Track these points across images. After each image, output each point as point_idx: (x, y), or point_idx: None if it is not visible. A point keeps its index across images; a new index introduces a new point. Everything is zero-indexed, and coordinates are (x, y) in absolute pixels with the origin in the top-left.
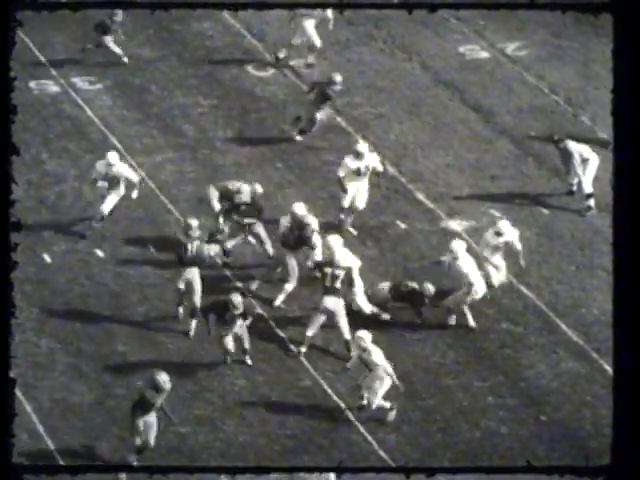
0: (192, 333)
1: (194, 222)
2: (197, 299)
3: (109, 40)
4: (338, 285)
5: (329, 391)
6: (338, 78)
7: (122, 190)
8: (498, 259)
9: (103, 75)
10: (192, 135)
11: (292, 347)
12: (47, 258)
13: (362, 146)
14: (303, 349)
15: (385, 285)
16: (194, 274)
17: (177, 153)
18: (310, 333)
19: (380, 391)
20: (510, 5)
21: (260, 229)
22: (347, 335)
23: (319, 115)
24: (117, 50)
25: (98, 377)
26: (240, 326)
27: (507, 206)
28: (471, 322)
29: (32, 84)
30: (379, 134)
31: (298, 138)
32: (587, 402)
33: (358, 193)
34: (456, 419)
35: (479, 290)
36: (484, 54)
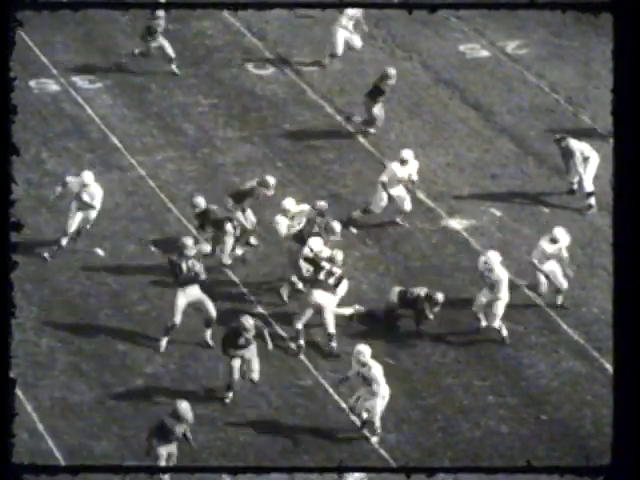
0: (211, 343)
1: (189, 241)
2: (212, 310)
3: (161, 42)
4: (331, 281)
5: (330, 390)
6: (392, 72)
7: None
8: (551, 265)
9: (103, 74)
10: (192, 134)
11: (292, 345)
12: (47, 257)
13: (407, 153)
14: (302, 342)
15: (396, 290)
16: (196, 291)
17: (177, 152)
18: (300, 326)
19: (379, 407)
20: (510, 5)
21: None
22: (333, 329)
23: (376, 110)
24: (170, 52)
25: (98, 376)
26: (251, 350)
27: (507, 205)
28: (483, 323)
29: (32, 83)
30: (379, 133)
31: (372, 130)
32: (587, 401)
33: (399, 199)
34: (456, 418)
35: (505, 300)
36: (484, 53)
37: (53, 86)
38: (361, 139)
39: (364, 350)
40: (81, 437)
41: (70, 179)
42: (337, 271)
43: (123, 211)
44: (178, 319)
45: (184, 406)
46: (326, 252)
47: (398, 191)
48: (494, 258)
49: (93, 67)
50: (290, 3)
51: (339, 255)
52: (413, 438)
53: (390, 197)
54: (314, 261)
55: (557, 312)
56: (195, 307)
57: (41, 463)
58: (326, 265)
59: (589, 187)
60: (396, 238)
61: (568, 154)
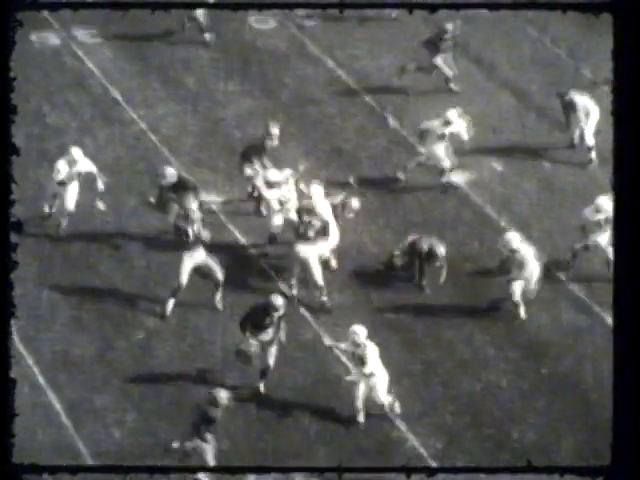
0: (220, 307)
1: (194, 204)
2: (219, 274)
3: (440, 60)
4: (311, 234)
5: (330, 343)
6: (449, 27)
7: (76, 186)
8: (596, 237)
9: (104, 27)
10: (193, 88)
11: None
12: (46, 209)
13: (452, 113)
14: (294, 291)
15: (408, 239)
16: (202, 254)
17: (178, 106)
18: (293, 282)
19: (382, 389)
20: (510, 5)
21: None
22: (320, 282)
23: (439, 60)
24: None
25: (99, 330)
26: (279, 331)
27: (508, 159)
28: (522, 314)
29: (33, 37)
30: (380, 86)
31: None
32: (588, 355)
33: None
34: (457, 372)
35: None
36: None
37: (54, 39)
38: (361, 92)
39: (359, 331)
40: (82, 390)
41: (59, 164)
42: (317, 223)
43: (124, 165)
44: (184, 280)
45: (222, 394)
46: (307, 203)
47: (436, 147)
48: (513, 238)
49: (94, 20)
50: (290, 3)
51: (318, 206)
52: (414, 392)
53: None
54: (298, 214)
55: (558, 266)
56: (202, 273)
57: (43, 418)
58: (305, 218)
59: (590, 141)
60: (397, 192)
61: (571, 108)
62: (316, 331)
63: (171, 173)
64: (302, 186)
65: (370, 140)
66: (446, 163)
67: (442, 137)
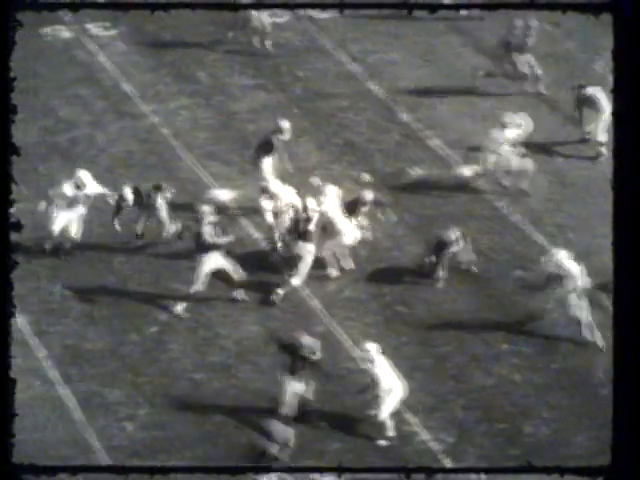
0: (240, 297)
1: (207, 208)
2: (238, 274)
3: (520, 59)
4: (310, 232)
5: (343, 337)
6: (519, 23)
7: (82, 209)
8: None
9: (117, 21)
10: (206, 82)
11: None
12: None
13: (509, 116)
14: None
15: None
16: (218, 257)
17: (191, 100)
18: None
19: (389, 403)
20: (510, 5)
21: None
22: (294, 280)
23: (522, 60)
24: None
25: (111, 324)
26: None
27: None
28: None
29: (45, 30)
30: (393, 80)
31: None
32: (600, 349)
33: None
34: (469, 366)
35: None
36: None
37: (66, 33)
38: (374, 87)
39: (370, 347)
40: (94, 384)
41: (65, 187)
42: (322, 221)
43: (136, 159)
44: (199, 287)
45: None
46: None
47: (503, 151)
48: (562, 256)
49: (107, 14)
50: (290, 3)
51: (329, 206)
52: (425, 386)
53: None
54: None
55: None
56: (219, 276)
57: (55, 412)
58: (301, 215)
59: (602, 137)
60: (409, 186)
61: (585, 102)
62: (328, 324)
63: (128, 194)
64: (315, 183)
65: (382, 134)
66: (514, 164)
67: (508, 142)
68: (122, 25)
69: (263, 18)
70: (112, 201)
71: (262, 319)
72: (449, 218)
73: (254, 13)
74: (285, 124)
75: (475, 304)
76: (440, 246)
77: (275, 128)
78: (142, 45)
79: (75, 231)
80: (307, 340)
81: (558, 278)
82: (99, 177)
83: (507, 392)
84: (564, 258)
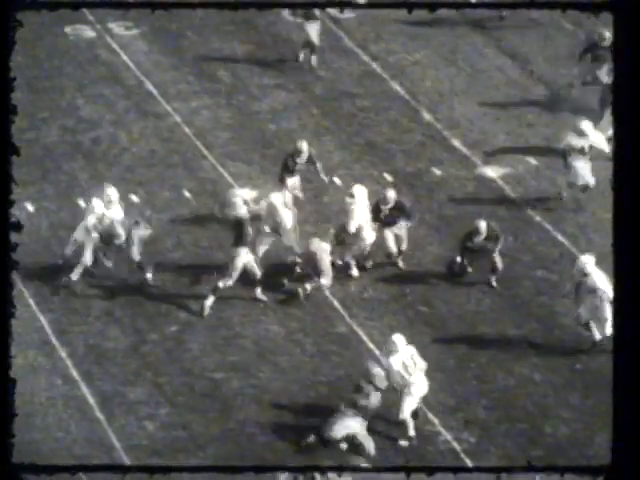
0: (263, 297)
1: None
2: (257, 270)
3: (603, 71)
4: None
5: (364, 338)
6: (607, 34)
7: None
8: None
9: (139, 20)
10: (228, 81)
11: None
12: (82, 203)
13: (585, 124)
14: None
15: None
16: (248, 254)
17: (212, 99)
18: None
19: (410, 401)
20: (510, 5)
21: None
22: (328, 276)
23: (602, 74)
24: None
25: (132, 323)
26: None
27: (543, 153)
28: (597, 335)
29: (68, 29)
30: (415, 80)
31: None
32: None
33: (583, 170)
34: (490, 366)
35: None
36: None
37: (89, 32)
38: (396, 86)
39: (396, 339)
40: (115, 383)
41: (95, 201)
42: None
43: (158, 158)
44: (234, 281)
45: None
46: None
47: (578, 162)
48: (587, 262)
49: (129, 13)
50: (290, 3)
51: (357, 206)
52: (447, 386)
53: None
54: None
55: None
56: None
57: (76, 411)
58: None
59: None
60: (431, 186)
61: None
62: (349, 324)
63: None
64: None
65: (404, 134)
66: (590, 179)
67: (582, 151)
68: (144, 25)
69: (312, 34)
70: (121, 229)
71: (282, 319)
72: (471, 219)
73: (307, 27)
74: (304, 146)
75: (497, 304)
76: (467, 237)
77: (293, 151)
78: (163, 44)
79: (87, 262)
80: (378, 370)
81: (586, 288)
82: (120, 176)
83: (528, 392)
84: (592, 269)
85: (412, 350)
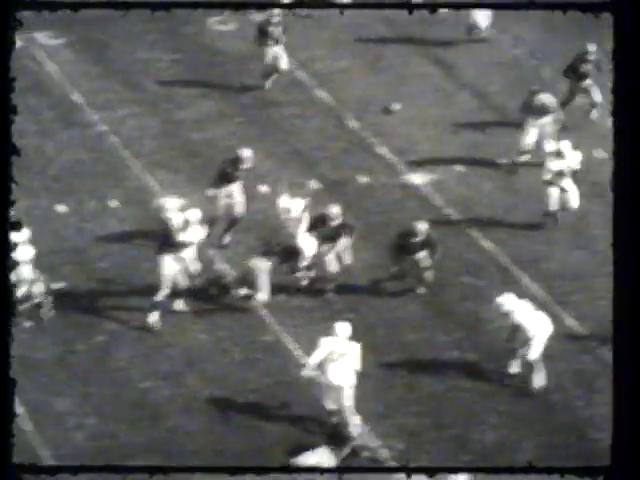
0: (183, 309)
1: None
2: (182, 280)
3: (591, 85)
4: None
5: (290, 346)
6: (592, 48)
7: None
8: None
9: (64, 30)
10: (154, 90)
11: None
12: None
13: (564, 145)
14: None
15: None
16: (174, 262)
17: (139, 108)
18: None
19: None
20: (510, 5)
21: None
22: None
23: (589, 86)
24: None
25: (60, 333)
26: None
27: (468, 160)
28: (538, 383)
29: None
30: (340, 88)
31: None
32: (548, 355)
33: (567, 192)
34: (419, 374)
35: (545, 332)
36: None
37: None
38: (321, 94)
39: (503, 301)
40: (42, 393)
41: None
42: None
43: (85, 167)
44: (166, 292)
45: None
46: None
47: (565, 185)
48: (506, 301)
49: (55, 23)
50: (290, 3)
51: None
52: (375, 393)
53: (562, 189)
54: None
55: (519, 266)
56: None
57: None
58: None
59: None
60: (357, 193)
61: (542, 110)
62: (276, 332)
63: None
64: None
65: (329, 141)
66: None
67: (561, 174)
68: (70, 34)
69: (281, 59)
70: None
71: (210, 328)
72: (398, 226)
73: (274, 51)
74: (247, 153)
75: (424, 311)
76: (403, 237)
77: (233, 158)
78: (89, 53)
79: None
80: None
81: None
82: (46, 186)
83: (457, 398)
84: (513, 306)
85: (355, 347)
